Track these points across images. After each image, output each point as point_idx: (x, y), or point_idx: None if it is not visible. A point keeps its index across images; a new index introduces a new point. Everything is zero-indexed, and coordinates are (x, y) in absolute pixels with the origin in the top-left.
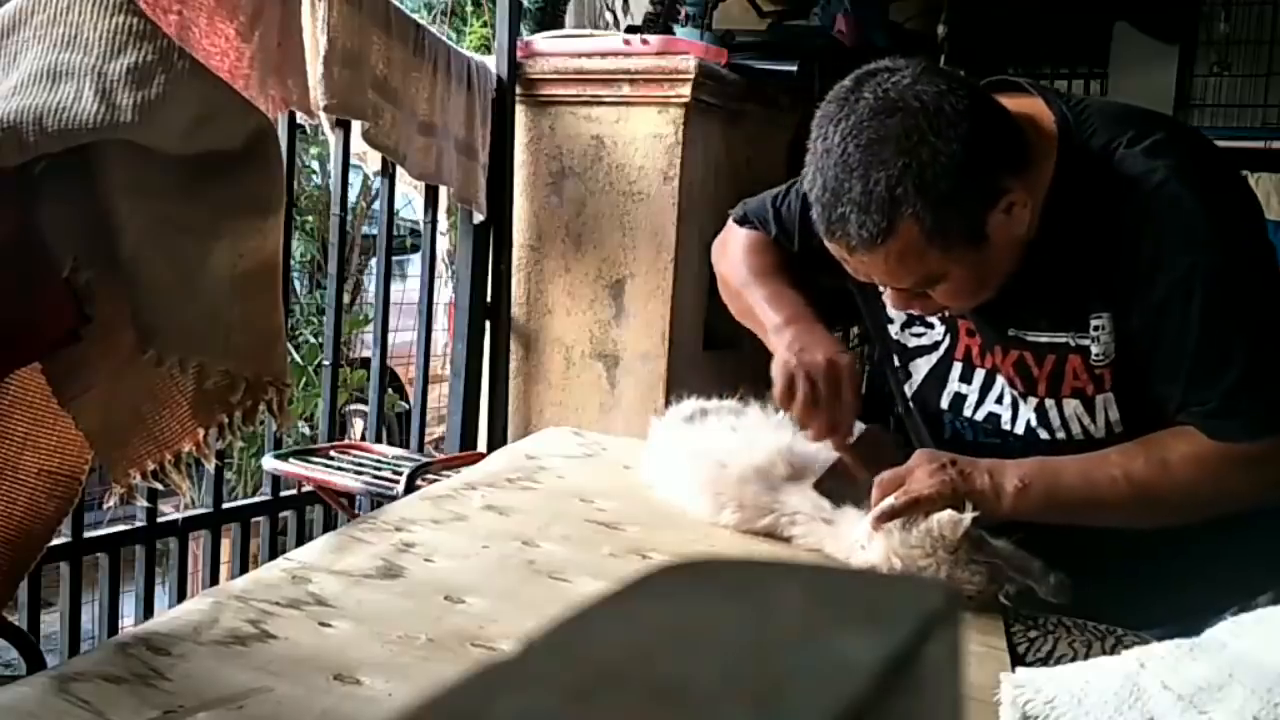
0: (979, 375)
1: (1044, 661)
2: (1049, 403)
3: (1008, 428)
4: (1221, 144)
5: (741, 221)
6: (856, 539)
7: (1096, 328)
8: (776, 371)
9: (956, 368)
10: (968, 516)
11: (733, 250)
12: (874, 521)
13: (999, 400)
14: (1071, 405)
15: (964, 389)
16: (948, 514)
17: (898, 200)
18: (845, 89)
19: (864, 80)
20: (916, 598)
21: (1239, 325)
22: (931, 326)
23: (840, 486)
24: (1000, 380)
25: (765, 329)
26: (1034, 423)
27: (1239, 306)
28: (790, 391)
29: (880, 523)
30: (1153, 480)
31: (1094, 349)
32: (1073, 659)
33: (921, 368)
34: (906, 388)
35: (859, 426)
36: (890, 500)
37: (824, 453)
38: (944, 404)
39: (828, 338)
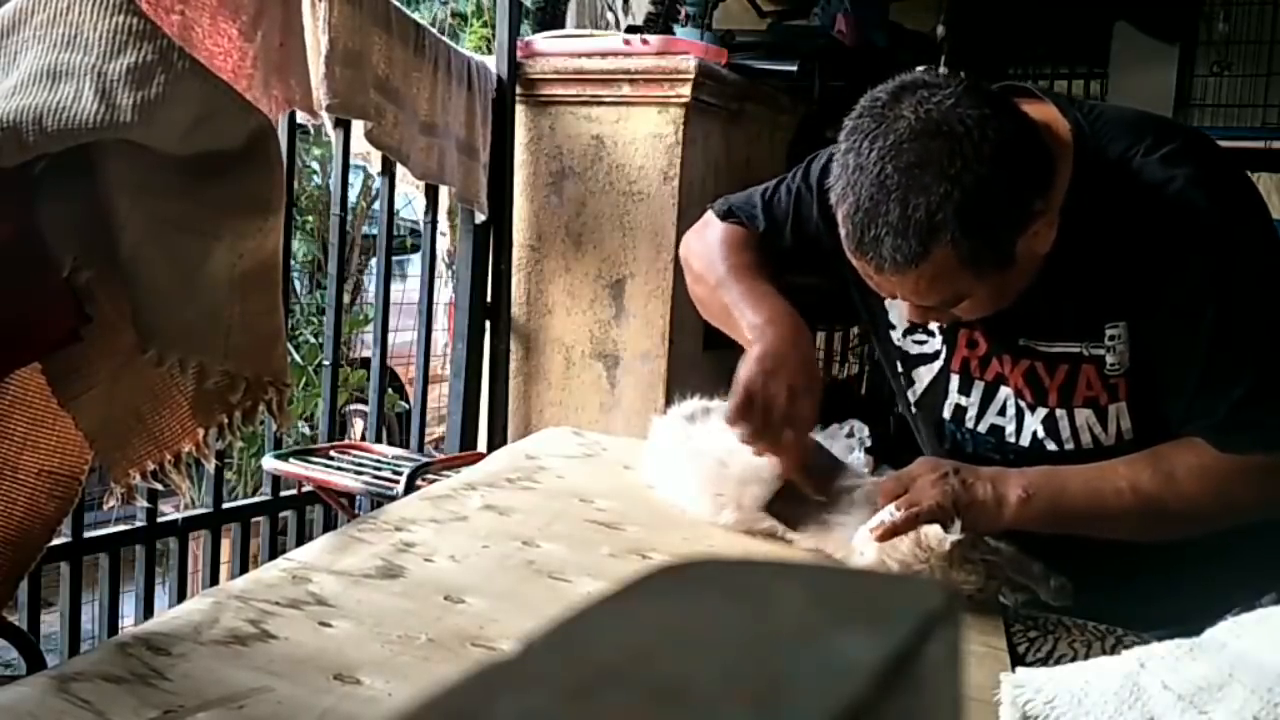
0: (978, 388)
1: (1044, 661)
2: (1060, 413)
3: (1011, 440)
4: (1221, 144)
5: (724, 216)
6: (855, 545)
7: (1112, 337)
8: (738, 385)
9: (954, 380)
10: (953, 535)
11: (710, 245)
12: (875, 535)
13: (1001, 413)
14: (1084, 415)
15: (963, 401)
16: (935, 529)
17: (936, 227)
18: (881, 102)
19: (902, 95)
20: (916, 598)
21: (1252, 337)
22: (931, 335)
23: (790, 507)
24: (1004, 392)
25: (741, 329)
26: (1041, 434)
27: (1253, 318)
28: (745, 412)
29: (882, 538)
30: (1159, 493)
31: (1109, 359)
32: (1073, 659)
33: (924, 376)
34: (910, 394)
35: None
36: (891, 512)
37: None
38: (946, 414)
39: (800, 355)
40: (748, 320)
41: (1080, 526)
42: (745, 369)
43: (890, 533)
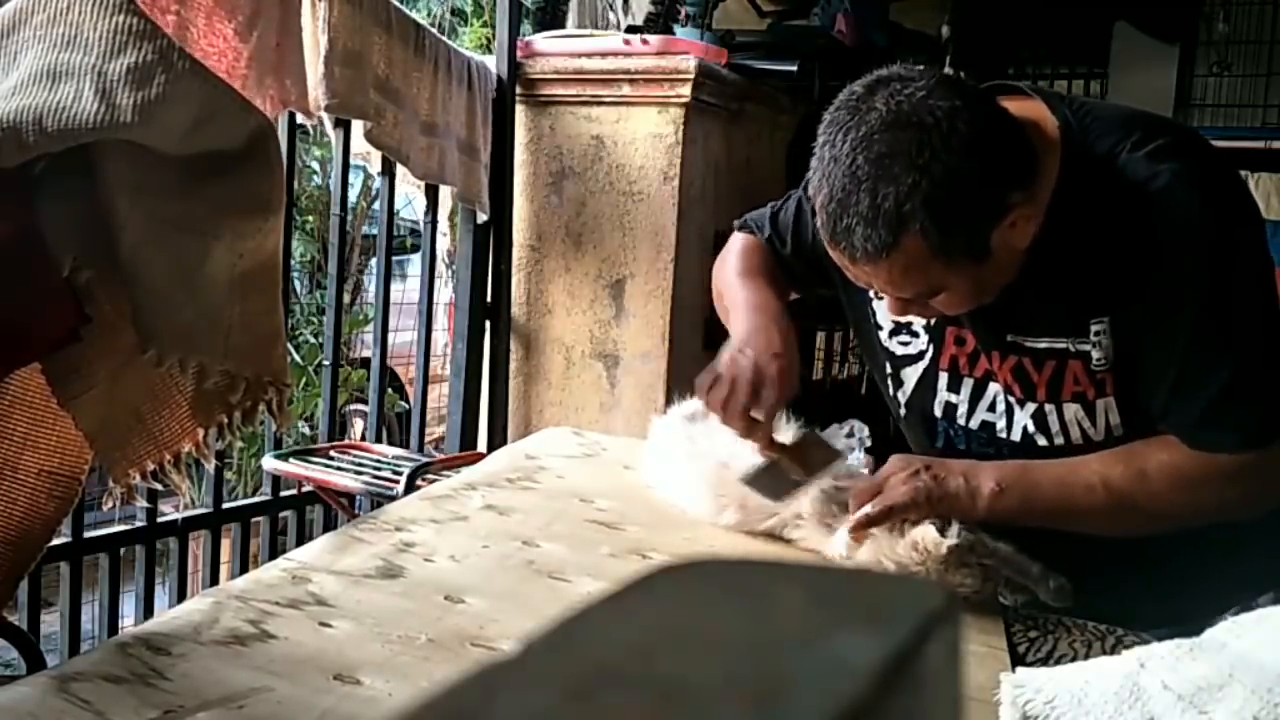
0: (968, 384)
1: (1044, 661)
2: (1049, 407)
3: (1003, 435)
4: (1221, 144)
5: (740, 228)
6: (835, 548)
7: (1097, 333)
8: (711, 367)
9: (943, 377)
10: (950, 539)
11: (724, 256)
12: (852, 531)
13: (991, 408)
14: (1072, 410)
15: (953, 398)
16: (932, 532)
17: (905, 217)
18: (857, 96)
19: (876, 88)
20: (916, 598)
21: (1229, 337)
22: (916, 335)
23: (773, 482)
24: (993, 387)
25: (735, 328)
26: (1031, 429)
27: (1231, 317)
28: (709, 386)
29: (858, 531)
30: (1130, 490)
31: (1094, 354)
32: (1073, 659)
33: (911, 376)
34: (900, 394)
35: (795, 430)
36: (866, 509)
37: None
38: (937, 411)
39: (774, 339)
40: (739, 318)
41: (1052, 520)
42: (722, 352)
43: (865, 525)
